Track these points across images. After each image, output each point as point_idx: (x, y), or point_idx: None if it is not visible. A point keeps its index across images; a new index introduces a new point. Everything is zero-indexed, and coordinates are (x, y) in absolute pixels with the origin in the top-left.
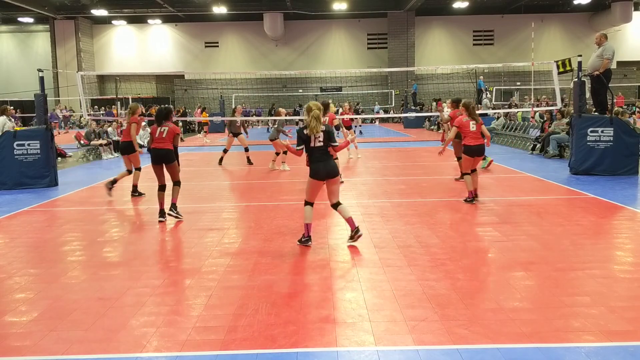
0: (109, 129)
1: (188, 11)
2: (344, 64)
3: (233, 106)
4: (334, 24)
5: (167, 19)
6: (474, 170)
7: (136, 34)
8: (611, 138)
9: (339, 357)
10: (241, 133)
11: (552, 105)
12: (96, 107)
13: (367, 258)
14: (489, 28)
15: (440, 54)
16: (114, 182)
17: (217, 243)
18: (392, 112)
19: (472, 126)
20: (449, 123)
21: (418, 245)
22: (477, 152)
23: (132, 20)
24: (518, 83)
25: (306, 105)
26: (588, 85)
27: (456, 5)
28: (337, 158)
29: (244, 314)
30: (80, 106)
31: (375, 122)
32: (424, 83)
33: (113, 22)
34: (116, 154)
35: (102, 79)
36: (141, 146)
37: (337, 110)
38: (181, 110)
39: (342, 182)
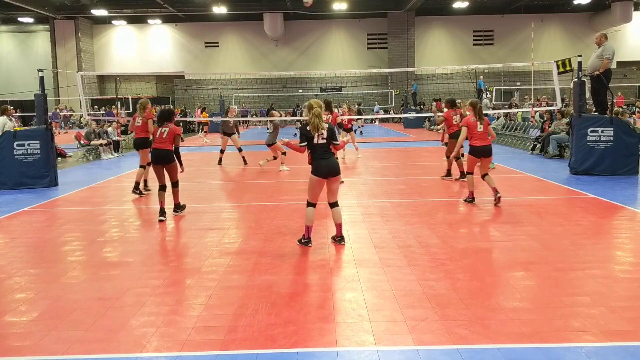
0: (109, 129)
1: (188, 11)
2: (344, 64)
3: (234, 106)
4: (334, 24)
5: (167, 19)
6: (486, 174)
7: (136, 34)
8: (611, 138)
9: (339, 357)
10: (234, 133)
11: (552, 105)
12: (96, 107)
13: (367, 258)
14: (489, 28)
15: (440, 54)
16: (137, 185)
17: (217, 243)
18: (392, 112)
19: (479, 126)
20: (443, 123)
21: (418, 245)
22: (482, 152)
23: (132, 20)
24: (518, 83)
25: (307, 103)
26: (588, 85)
27: (456, 5)
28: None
29: (244, 314)
30: (80, 106)
31: (375, 122)
32: (424, 83)
33: (113, 22)
34: (116, 154)
35: (102, 79)
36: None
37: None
38: (178, 111)
39: (342, 182)
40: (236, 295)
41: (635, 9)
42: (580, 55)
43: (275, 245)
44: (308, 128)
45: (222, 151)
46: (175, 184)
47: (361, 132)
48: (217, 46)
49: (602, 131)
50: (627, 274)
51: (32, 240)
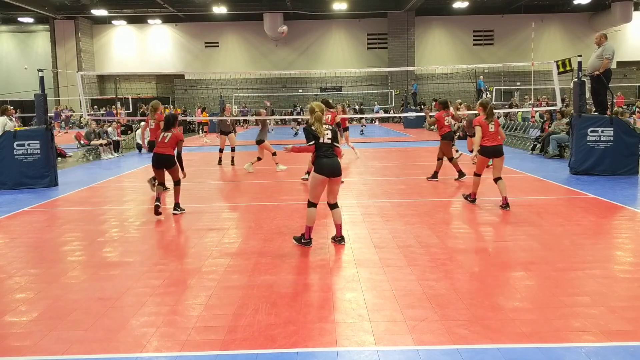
0: (109, 129)
1: (188, 11)
2: (344, 64)
3: (229, 105)
4: (334, 24)
5: (167, 19)
6: (499, 178)
7: (136, 34)
8: (611, 138)
9: (339, 357)
10: (231, 132)
11: (552, 105)
12: (96, 107)
13: (367, 258)
14: (489, 28)
15: (440, 54)
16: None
17: (217, 243)
18: (392, 112)
19: (491, 126)
20: (435, 125)
21: (418, 245)
22: (493, 153)
23: (132, 20)
24: (518, 83)
25: (309, 106)
26: (588, 85)
27: (456, 5)
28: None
29: (244, 314)
30: (80, 106)
31: (375, 122)
32: (424, 83)
33: (113, 22)
34: (116, 154)
35: (102, 79)
36: (141, 146)
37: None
38: (179, 112)
39: (342, 182)
40: (236, 295)
41: (635, 9)
42: (580, 55)
43: (275, 245)
44: (313, 127)
45: (220, 150)
46: (177, 183)
47: (361, 132)
48: (217, 46)
49: (602, 131)
50: (627, 274)
51: (32, 240)
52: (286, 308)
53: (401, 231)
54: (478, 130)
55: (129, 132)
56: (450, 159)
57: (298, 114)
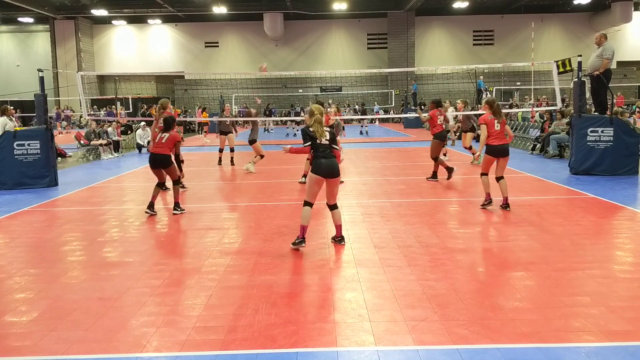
0: (109, 129)
1: (188, 11)
2: (344, 64)
3: (228, 105)
4: (334, 24)
5: (167, 19)
6: (501, 177)
7: (136, 34)
8: (611, 138)
9: (339, 357)
10: (231, 132)
11: (552, 105)
12: (95, 107)
13: (367, 258)
14: (489, 28)
15: (440, 54)
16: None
17: (217, 243)
18: (392, 112)
19: (497, 125)
20: (428, 122)
21: (418, 245)
22: (500, 152)
23: (132, 20)
24: (518, 83)
25: (308, 109)
26: (588, 85)
27: (456, 5)
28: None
29: (244, 314)
30: (80, 106)
31: (375, 122)
32: (424, 83)
33: (113, 22)
34: (116, 154)
35: (102, 79)
36: (142, 146)
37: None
38: (178, 112)
39: (342, 182)
40: (236, 295)
41: (635, 9)
42: (580, 55)
43: (275, 245)
44: (311, 129)
45: (220, 150)
46: (175, 182)
47: (362, 132)
48: (217, 46)
49: (602, 131)
50: (627, 274)
51: (32, 240)
52: (286, 308)
53: (401, 231)
54: (483, 129)
55: (129, 132)
56: (435, 159)
57: (296, 114)
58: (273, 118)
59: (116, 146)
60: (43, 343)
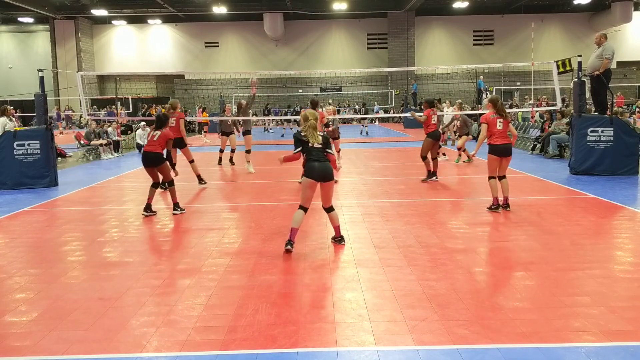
0: (109, 129)
1: (188, 11)
2: (344, 64)
3: (234, 107)
4: (334, 24)
5: (167, 19)
6: (503, 177)
7: (136, 34)
8: (611, 138)
9: (339, 357)
10: (232, 132)
11: (552, 105)
12: (95, 107)
13: (367, 258)
14: (489, 28)
15: (440, 54)
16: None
17: (217, 243)
18: (392, 112)
19: (499, 124)
20: (423, 122)
21: (418, 245)
22: (502, 151)
23: (132, 20)
24: (518, 83)
25: (302, 114)
26: (588, 85)
27: (456, 5)
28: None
29: (244, 314)
30: (80, 106)
31: (375, 122)
32: (424, 83)
33: (113, 22)
34: (116, 154)
35: (102, 79)
36: (142, 146)
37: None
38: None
39: (336, 181)
40: (236, 295)
41: (635, 9)
42: (580, 55)
43: (275, 245)
44: (303, 134)
45: (221, 150)
46: (170, 183)
47: (362, 132)
48: (217, 46)
49: (602, 131)
50: (627, 274)
51: (32, 240)
52: (286, 308)
53: (401, 231)
54: (484, 128)
55: (129, 132)
56: (424, 158)
57: (297, 114)
58: (272, 118)
59: (116, 146)
60: (43, 343)
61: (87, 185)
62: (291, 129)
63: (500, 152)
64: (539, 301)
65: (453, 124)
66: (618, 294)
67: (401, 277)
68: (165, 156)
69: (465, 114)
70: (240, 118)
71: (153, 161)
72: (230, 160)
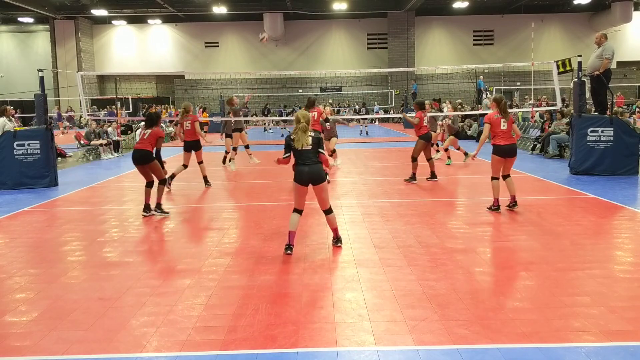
0: (109, 129)
1: (188, 11)
2: (344, 64)
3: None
4: (334, 24)
5: (167, 19)
6: (508, 176)
7: (136, 34)
8: (611, 138)
9: (339, 357)
10: (238, 131)
11: (552, 105)
12: (95, 107)
13: (367, 258)
14: (489, 28)
15: (440, 54)
16: (173, 176)
17: (217, 243)
18: (392, 112)
19: (503, 124)
20: (417, 124)
21: (418, 245)
22: (507, 152)
23: (132, 20)
24: (518, 83)
25: (294, 116)
26: (588, 85)
27: (456, 5)
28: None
29: (244, 314)
30: (80, 106)
31: (375, 122)
32: (424, 83)
33: (113, 22)
34: (116, 154)
35: (102, 79)
36: None
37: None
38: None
39: (329, 181)
40: (236, 295)
41: (635, 9)
42: (580, 55)
43: (275, 245)
44: (292, 137)
45: (227, 152)
46: (161, 182)
47: (366, 133)
48: (217, 46)
49: (602, 131)
50: (627, 274)
51: (32, 240)
52: (286, 308)
53: (401, 231)
54: (486, 128)
55: (129, 132)
56: (414, 159)
57: (288, 114)
58: (271, 118)
59: (116, 146)
60: (43, 343)
61: (87, 185)
62: (285, 128)
63: (505, 152)
64: (539, 301)
65: (441, 123)
66: (618, 294)
67: (401, 277)
68: (155, 155)
69: (465, 114)
70: (233, 118)
71: (143, 159)
72: (223, 159)
